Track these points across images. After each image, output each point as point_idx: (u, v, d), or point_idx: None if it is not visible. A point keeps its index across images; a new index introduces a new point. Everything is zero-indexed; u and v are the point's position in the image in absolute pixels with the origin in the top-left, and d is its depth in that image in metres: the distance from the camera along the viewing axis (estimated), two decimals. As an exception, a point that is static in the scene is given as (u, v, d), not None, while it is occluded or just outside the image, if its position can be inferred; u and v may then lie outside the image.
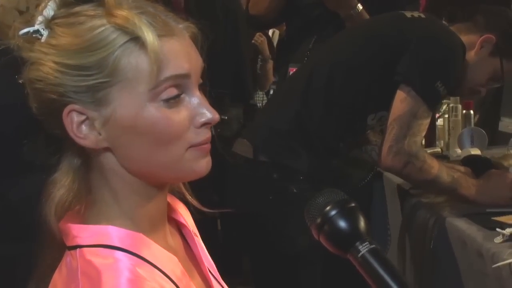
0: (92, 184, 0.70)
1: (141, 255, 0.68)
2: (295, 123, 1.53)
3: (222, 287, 0.80)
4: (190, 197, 0.79)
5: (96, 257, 0.66)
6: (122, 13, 0.65)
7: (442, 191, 1.52)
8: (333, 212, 0.60)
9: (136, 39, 0.65)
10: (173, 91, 0.67)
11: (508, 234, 1.23)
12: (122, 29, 0.65)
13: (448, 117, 2.09)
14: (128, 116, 0.66)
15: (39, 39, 0.68)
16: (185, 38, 0.69)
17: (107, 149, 0.68)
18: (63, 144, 0.70)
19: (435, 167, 1.46)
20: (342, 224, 0.60)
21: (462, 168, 1.56)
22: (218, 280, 0.80)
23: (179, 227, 0.80)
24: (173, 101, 0.67)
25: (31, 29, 0.67)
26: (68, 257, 0.68)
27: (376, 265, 0.59)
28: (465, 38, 1.53)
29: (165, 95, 0.66)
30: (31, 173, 1.12)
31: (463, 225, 1.37)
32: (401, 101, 1.46)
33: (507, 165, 1.69)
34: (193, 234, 0.80)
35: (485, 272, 1.24)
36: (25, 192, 1.08)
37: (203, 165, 0.69)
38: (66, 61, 0.66)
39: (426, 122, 1.51)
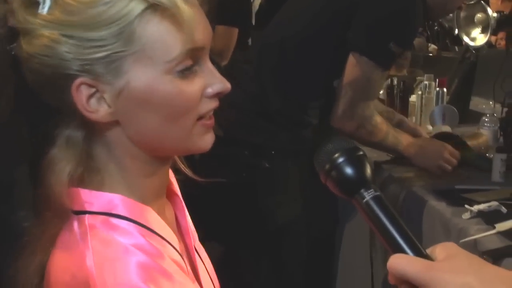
0: (95, 154, 0.70)
1: (150, 226, 0.69)
2: (256, 104, 1.56)
3: (201, 260, 0.81)
4: (183, 166, 0.80)
5: (106, 226, 0.67)
6: None
7: (386, 151, 1.65)
8: (341, 159, 0.63)
9: (155, 7, 0.64)
10: (188, 63, 0.67)
11: (476, 211, 1.31)
12: None
13: (421, 94, 2.17)
14: (141, 88, 0.66)
15: (38, 5, 0.65)
16: (197, 6, 0.69)
17: (114, 122, 0.68)
18: (59, 117, 0.69)
19: (383, 130, 1.57)
20: (349, 171, 0.63)
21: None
22: (199, 252, 0.81)
23: (170, 195, 0.82)
24: (188, 72, 0.67)
25: None
26: (74, 221, 0.68)
27: (379, 211, 0.62)
28: None
29: (181, 66, 0.66)
30: None
31: (432, 201, 1.45)
32: (354, 65, 1.50)
33: (477, 144, 1.78)
34: (183, 205, 0.82)
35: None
36: None
37: (208, 140, 0.71)
38: (79, 35, 0.64)
39: (381, 82, 1.59)
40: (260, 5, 2.66)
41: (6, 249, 0.76)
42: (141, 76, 0.66)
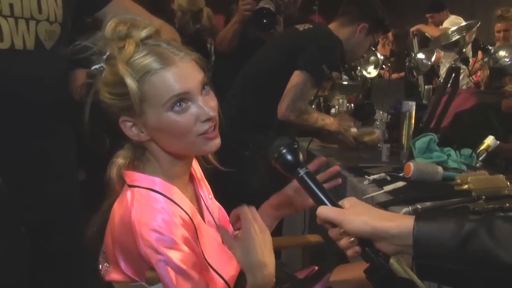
0: (145, 154, 0.74)
1: (172, 198, 0.72)
2: (241, 114, 1.57)
3: (211, 215, 0.82)
4: (212, 158, 0.82)
5: (146, 195, 0.70)
6: (121, 67, 0.66)
7: (318, 129, 1.64)
8: (284, 150, 0.66)
9: (147, 74, 0.66)
10: (176, 103, 0.68)
11: (372, 179, 1.35)
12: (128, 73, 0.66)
13: (338, 107, 2.23)
14: (154, 121, 0.68)
15: (102, 71, 0.69)
16: (183, 62, 0.69)
17: (150, 139, 0.71)
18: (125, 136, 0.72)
19: (314, 117, 1.57)
20: (289, 157, 0.66)
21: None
22: (211, 210, 0.83)
23: (192, 178, 0.84)
24: (179, 109, 0.68)
25: (98, 66, 0.69)
26: (128, 191, 0.71)
27: (309, 181, 0.65)
28: (348, 29, 1.60)
29: (173, 106, 0.68)
30: None
31: (346, 173, 1.48)
32: (297, 75, 1.50)
33: (372, 138, 1.81)
34: (197, 182, 0.83)
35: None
36: None
37: (211, 146, 0.73)
38: (113, 91, 0.68)
39: (313, 92, 1.58)
40: None
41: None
42: (152, 115, 0.68)
